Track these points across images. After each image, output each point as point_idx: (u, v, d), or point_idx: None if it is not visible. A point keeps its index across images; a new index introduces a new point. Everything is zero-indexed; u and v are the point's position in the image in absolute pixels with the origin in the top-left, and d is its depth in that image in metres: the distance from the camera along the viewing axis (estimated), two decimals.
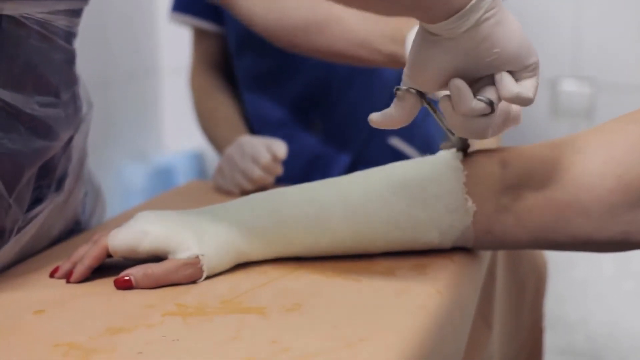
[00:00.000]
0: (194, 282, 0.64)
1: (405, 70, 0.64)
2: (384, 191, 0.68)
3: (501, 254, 0.91)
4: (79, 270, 0.65)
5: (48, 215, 0.73)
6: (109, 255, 0.66)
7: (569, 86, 1.74)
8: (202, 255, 0.64)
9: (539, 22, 1.77)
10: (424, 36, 0.61)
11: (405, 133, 1.30)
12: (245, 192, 1.01)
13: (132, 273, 0.63)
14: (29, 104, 0.67)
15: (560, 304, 1.73)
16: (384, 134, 1.30)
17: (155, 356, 0.51)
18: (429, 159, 0.71)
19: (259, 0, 0.94)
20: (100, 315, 0.58)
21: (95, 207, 0.90)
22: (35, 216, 0.71)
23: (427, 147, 1.34)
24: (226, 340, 0.53)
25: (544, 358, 1.10)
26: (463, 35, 0.59)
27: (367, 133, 1.29)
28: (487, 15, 0.58)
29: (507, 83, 0.61)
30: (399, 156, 1.29)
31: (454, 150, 0.71)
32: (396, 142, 1.30)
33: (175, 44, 1.92)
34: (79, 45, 0.91)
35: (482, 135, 0.64)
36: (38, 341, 0.54)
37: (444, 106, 0.63)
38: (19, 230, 0.69)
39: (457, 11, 0.57)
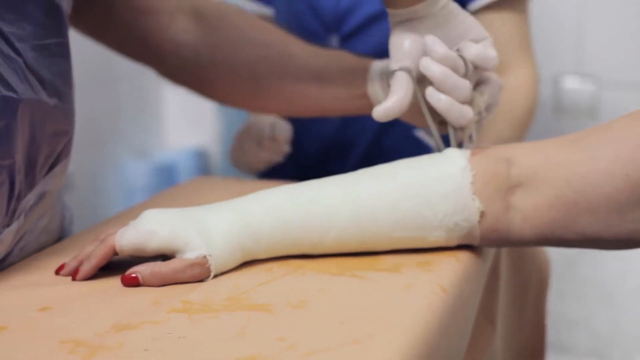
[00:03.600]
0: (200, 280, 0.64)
1: (391, 57, 0.75)
2: (391, 190, 0.68)
3: (505, 252, 0.91)
4: (86, 269, 0.65)
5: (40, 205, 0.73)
6: (115, 253, 0.66)
7: (572, 83, 1.74)
8: (210, 255, 0.64)
9: (542, 19, 1.77)
10: (402, 24, 0.74)
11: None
12: (257, 170, 1.08)
13: (139, 271, 0.63)
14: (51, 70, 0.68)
15: (564, 302, 1.72)
16: (407, 125, 1.29)
17: (161, 353, 0.51)
18: (436, 157, 0.71)
19: (202, 42, 0.90)
20: (106, 312, 0.58)
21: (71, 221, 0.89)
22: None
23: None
24: (232, 337, 0.53)
25: (547, 356, 1.10)
26: (438, 13, 0.73)
27: (387, 125, 1.27)
28: (448, 1, 0.74)
29: (471, 45, 0.74)
30: (422, 147, 1.28)
31: (462, 148, 0.71)
32: (422, 135, 1.29)
33: None
34: (83, 42, 0.91)
35: (461, 95, 0.73)
36: (44, 338, 0.54)
37: (424, 63, 0.73)
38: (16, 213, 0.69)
39: None
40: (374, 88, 0.85)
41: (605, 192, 0.64)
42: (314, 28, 1.23)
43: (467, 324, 0.68)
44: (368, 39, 1.23)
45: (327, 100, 0.89)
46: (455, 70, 0.73)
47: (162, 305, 0.59)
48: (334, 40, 1.26)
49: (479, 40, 0.76)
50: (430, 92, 0.73)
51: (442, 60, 0.72)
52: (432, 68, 0.72)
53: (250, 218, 0.67)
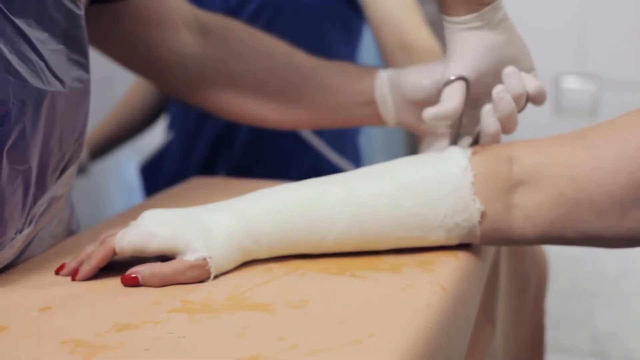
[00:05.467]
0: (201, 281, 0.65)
1: (449, 63, 0.74)
2: (392, 190, 0.68)
3: (504, 252, 0.91)
4: (85, 270, 0.65)
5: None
6: (115, 254, 0.66)
7: (572, 83, 1.74)
8: (210, 257, 0.64)
9: (543, 18, 1.77)
10: (461, 30, 0.73)
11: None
12: None
13: (140, 271, 0.63)
14: (70, 73, 0.69)
15: (565, 302, 1.73)
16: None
17: (162, 353, 0.51)
18: (437, 156, 0.71)
19: (207, 55, 0.90)
20: (106, 312, 0.58)
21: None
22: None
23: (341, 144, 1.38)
24: (232, 337, 0.53)
25: (548, 356, 1.10)
26: (497, 26, 0.72)
27: None
28: (507, 15, 0.73)
29: (532, 79, 0.74)
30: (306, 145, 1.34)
31: (463, 147, 0.71)
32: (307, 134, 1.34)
33: None
34: None
35: (513, 127, 0.74)
36: (45, 338, 0.54)
37: (500, 94, 0.72)
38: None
39: (488, 4, 0.71)
40: (382, 94, 0.86)
41: (609, 190, 0.64)
42: None
43: (468, 323, 0.68)
44: None
45: (333, 111, 0.90)
46: (517, 104, 0.73)
47: (162, 305, 0.59)
48: None
49: (529, 70, 0.76)
50: (488, 112, 0.73)
51: (516, 98, 0.72)
52: (506, 102, 0.72)
53: (251, 218, 0.67)
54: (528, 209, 0.67)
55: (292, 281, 0.64)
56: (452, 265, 0.68)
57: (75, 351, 0.51)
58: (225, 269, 0.66)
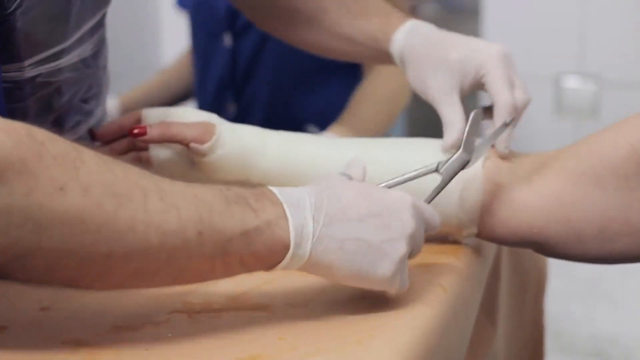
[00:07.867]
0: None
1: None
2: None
3: (505, 252, 0.91)
4: (106, 128, 0.75)
5: None
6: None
7: (573, 83, 1.74)
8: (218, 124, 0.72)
9: (544, 18, 1.77)
10: None
11: (322, 122, 1.34)
12: None
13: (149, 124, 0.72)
14: None
15: (565, 302, 1.73)
16: (300, 121, 1.35)
17: (162, 353, 0.51)
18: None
19: None
20: (107, 312, 0.58)
21: None
22: None
23: None
24: (232, 337, 0.54)
25: (548, 356, 1.10)
26: (304, 268, 0.57)
27: (279, 117, 1.35)
28: (317, 249, 0.55)
29: None
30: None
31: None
32: (313, 131, 1.34)
33: (177, 39, 1.93)
34: None
35: None
36: (45, 338, 0.54)
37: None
38: None
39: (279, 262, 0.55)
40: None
41: (611, 162, 0.64)
42: (209, 26, 1.39)
43: (468, 323, 0.68)
44: (261, 33, 1.31)
45: (353, 55, 0.94)
46: None
47: (162, 305, 0.59)
48: (227, 38, 1.37)
49: None
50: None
51: None
52: None
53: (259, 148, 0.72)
54: (532, 177, 0.67)
55: (293, 281, 0.64)
56: (452, 265, 0.68)
57: (76, 351, 0.51)
58: (227, 145, 0.71)
